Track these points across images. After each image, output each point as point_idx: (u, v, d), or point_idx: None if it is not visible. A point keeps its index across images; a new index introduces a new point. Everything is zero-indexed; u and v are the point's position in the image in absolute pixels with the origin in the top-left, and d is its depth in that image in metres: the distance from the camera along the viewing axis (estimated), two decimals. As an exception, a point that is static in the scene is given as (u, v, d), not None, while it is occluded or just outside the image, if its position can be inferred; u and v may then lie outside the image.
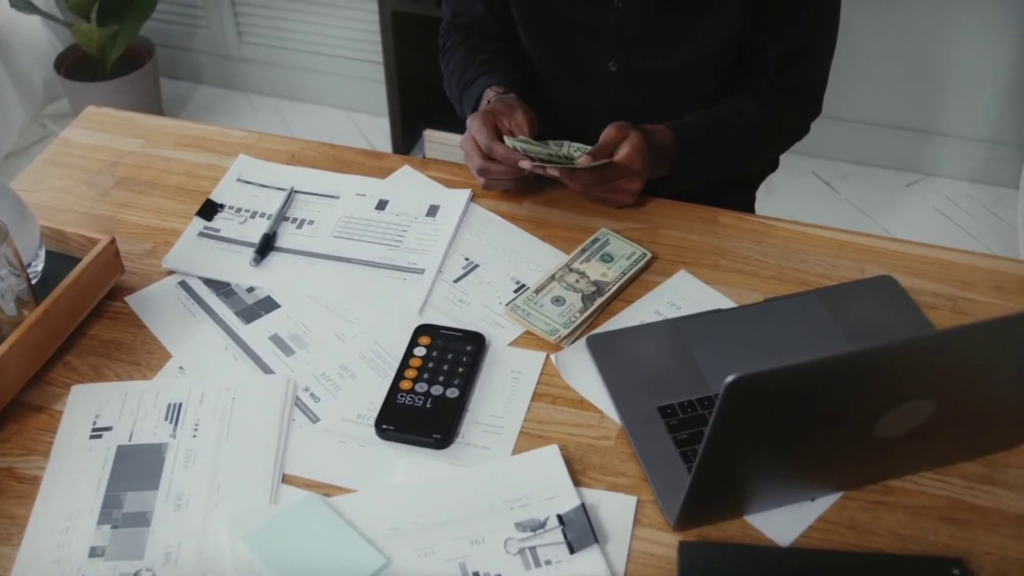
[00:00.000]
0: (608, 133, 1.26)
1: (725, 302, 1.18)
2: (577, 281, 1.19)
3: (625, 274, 1.20)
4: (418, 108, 2.76)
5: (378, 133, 2.88)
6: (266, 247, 1.25)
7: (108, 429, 1.04)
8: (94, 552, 0.93)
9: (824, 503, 0.97)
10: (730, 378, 0.74)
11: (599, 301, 1.17)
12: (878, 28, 2.52)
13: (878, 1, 2.48)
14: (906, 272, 1.21)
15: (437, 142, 2.77)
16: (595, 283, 1.19)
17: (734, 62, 1.38)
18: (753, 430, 0.82)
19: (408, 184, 1.36)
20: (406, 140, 2.80)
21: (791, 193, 2.64)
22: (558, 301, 1.17)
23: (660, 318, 1.16)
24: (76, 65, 2.84)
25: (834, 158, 2.76)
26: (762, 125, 1.38)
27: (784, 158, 1.54)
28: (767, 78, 1.37)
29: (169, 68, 3.10)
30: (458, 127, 2.65)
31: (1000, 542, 0.94)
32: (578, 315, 1.15)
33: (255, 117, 3.00)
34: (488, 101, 1.34)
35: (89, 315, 1.16)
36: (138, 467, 1.00)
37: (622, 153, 1.24)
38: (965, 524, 0.96)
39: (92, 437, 1.03)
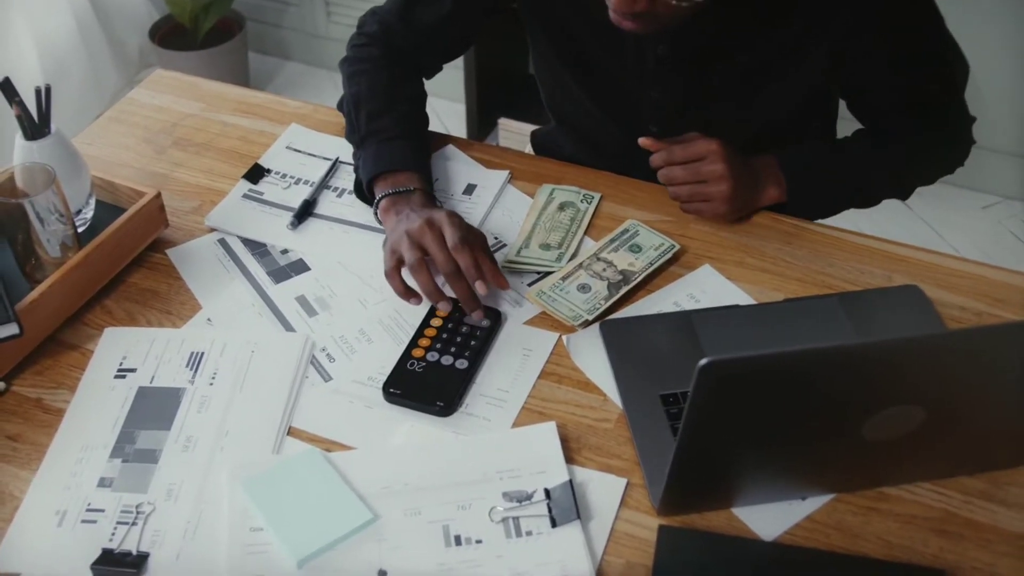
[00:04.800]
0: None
1: (745, 299, 1.18)
2: (604, 270, 1.20)
3: (652, 264, 1.21)
4: (495, 97, 2.79)
5: (455, 119, 2.92)
6: (305, 212, 1.29)
7: (132, 371, 1.09)
8: (103, 482, 0.98)
9: (815, 503, 0.97)
10: (703, 361, 0.75)
11: (625, 289, 1.18)
12: (967, 46, 2.46)
13: (967, 22, 2.41)
14: (935, 283, 1.19)
15: (511, 131, 2.81)
16: (622, 272, 1.20)
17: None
18: (731, 417, 0.82)
19: (449, 162, 1.38)
20: (481, 128, 2.84)
21: (863, 206, 2.59)
22: (584, 288, 1.18)
23: (678, 309, 1.16)
24: (170, 34, 2.94)
25: (910, 174, 2.70)
26: (895, 148, 1.32)
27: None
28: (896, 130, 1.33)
29: (258, 42, 3.19)
30: (532, 118, 2.67)
31: (990, 559, 0.93)
32: (603, 302, 1.16)
33: (338, 95, 3.06)
34: (413, 189, 1.21)
35: (131, 264, 1.22)
36: (155, 408, 1.05)
37: (697, 136, 1.23)
38: (957, 538, 0.95)
39: (117, 377, 1.08)
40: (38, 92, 1.17)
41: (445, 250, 1.11)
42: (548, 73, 1.45)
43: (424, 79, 1.41)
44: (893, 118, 1.33)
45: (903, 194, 1.41)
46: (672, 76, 1.29)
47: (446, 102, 2.95)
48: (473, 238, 1.14)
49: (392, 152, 1.26)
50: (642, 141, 1.25)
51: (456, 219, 1.14)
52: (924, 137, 1.33)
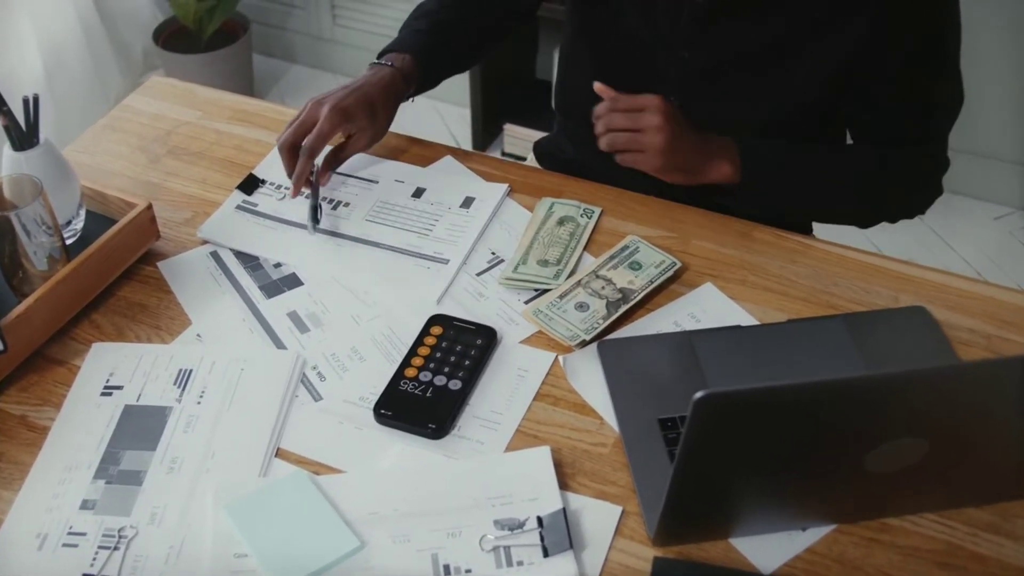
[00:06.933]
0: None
1: (747, 319, 1.15)
2: (603, 288, 1.18)
3: (653, 282, 1.18)
4: (500, 102, 2.77)
5: (462, 124, 2.89)
6: (316, 216, 1.26)
7: (119, 388, 1.07)
8: (85, 505, 0.96)
9: (815, 534, 0.94)
10: (699, 394, 0.72)
11: (624, 308, 1.15)
12: (983, 57, 2.43)
13: (982, 29, 2.38)
14: (943, 304, 1.16)
15: (516, 137, 2.78)
16: (621, 290, 1.17)
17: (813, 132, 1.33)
18: (728, 449, 0.80)
19: (448, 174, 1.36)
20: (486, 133, 2.81)
21: (871, 215, 2.56)
22: (582, 307, 1.15)
23: (678, 329, 1.14)
24: (174, 37, 2.92)
25: (921, 184, 2.67)
26: (866, 161, 1.30)
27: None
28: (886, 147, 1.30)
29: (263, 45, 3.17)
30: (538, 124, 2.65)
31: (995, 594, 0.90)
32: (601, 321, 1.13)
33: (342, 99, 3.04)
34: (391, 64, 1.33)
35: (121, 276, 1.19)
36: (141, 427, 1.03)
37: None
38: (961, 571, 0.92)
39: (103, 394, 1.06)
40: (26, 102, 1.15)
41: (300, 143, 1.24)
42: (568, 49, 1.43)
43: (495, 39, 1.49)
44: (877, 134, 1.30)
45: (863, 219, 1.39)
46: (704, 35, 1.26)
47: (451, 107, 2.93)
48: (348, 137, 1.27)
49: (403, 39, 1.36)
50: (597, 86, 1.21)
51: (329, 123, 1.23)
52: (899, 162, 1.29)
